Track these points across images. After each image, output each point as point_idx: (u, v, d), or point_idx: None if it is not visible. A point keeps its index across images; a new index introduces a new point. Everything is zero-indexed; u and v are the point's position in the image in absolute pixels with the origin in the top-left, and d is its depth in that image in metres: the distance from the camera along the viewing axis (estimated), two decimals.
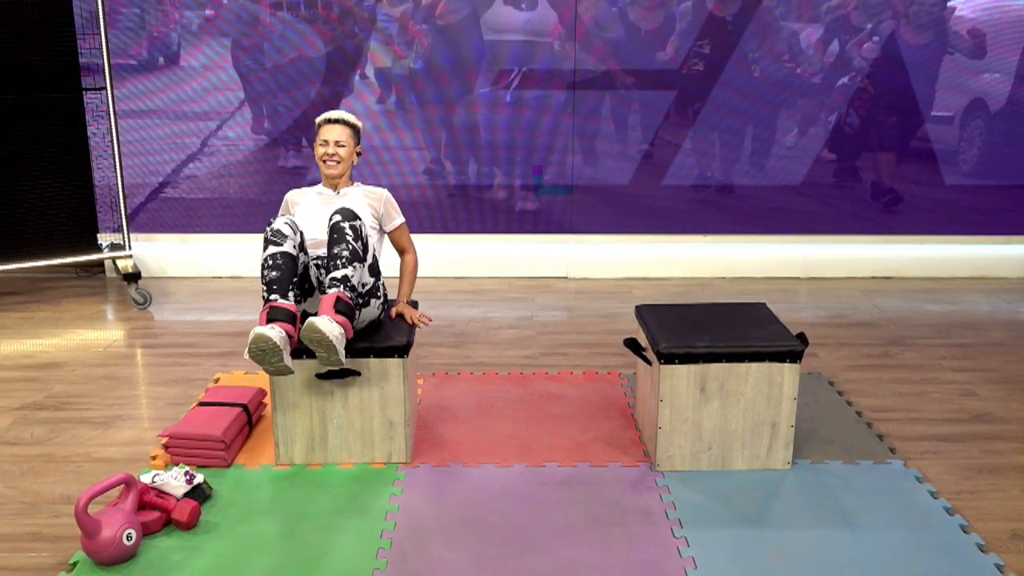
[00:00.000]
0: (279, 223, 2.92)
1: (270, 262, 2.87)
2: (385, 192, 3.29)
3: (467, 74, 5.03)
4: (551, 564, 2.49)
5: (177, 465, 2.94)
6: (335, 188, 3.25)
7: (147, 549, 2.55)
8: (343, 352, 2.79)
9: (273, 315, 2.80)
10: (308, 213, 3.17)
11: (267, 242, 2.89)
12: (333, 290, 2.86)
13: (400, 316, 3.17)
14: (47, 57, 4.44)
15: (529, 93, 5.05)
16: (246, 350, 2.75)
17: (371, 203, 3.23)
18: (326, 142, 3.20)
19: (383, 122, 5.13)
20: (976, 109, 5.15)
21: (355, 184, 3.29)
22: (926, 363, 3.91)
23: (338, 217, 2.94)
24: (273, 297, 2.84)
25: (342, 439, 3.00)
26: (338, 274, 2.88)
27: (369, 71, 5.07)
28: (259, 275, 2.91)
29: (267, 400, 3.37)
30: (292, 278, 2.88)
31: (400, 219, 3.30)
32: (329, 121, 3.23)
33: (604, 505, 2.77)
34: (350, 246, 2.90)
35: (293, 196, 3.29)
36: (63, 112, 4.54)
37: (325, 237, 3.03)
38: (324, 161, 3.20)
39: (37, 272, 5.09)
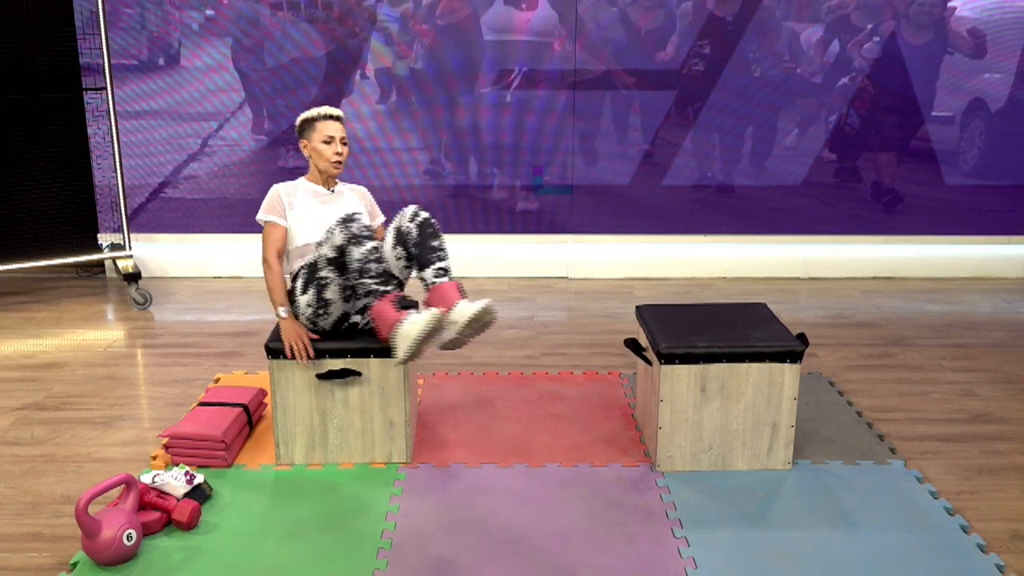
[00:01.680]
0: (365, 219, 2.94)
1: (375, 254, 2.85)
2: (366, 189, 3.32)
3: (468, 74, 5.03)
4: (552, 564, 2.49)
5: (177, 465, 2.94)
6: (330, 187, 3.21)
7: (147, 549, 2.55)
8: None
9: (404, 303, 2.92)
10: (307, 214, 3.10)
11: (361, 238, 2.83)
12: (442, 279, 2.93)
13: None
14: (48, 57, 4.44)
15: (529, 93, 5.05)
16: (407, 347, 2.74)
17: (363, 201, 3.25)
18: (331, 138, 3.12)
19: (384, 122, 5.13)
20: (976, 109, 5.15)
21: (338, 182, 3.26)
22: (926, 363, 3.91)
23: (425, 212, 3.00)
24: (390, 288, 2.88)
25: (342, 439, 3.00)
26: (444, 265, 2.95)
27: (370, 71, 5.07)
28: (354, 272, 2.84)
29: (267, 400, 3.37)
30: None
31: (382, 216, 3.33)
32: (331, 117, 3.15)
33: (605, 505, 2.77)
34: (440, 237, 2.99)
35: (284, 194, 3.12)
36: (64, 112, 4.55)
37: (323, 238, 3.02)
38: (332, 161, 3.12)
39: (37, 272, 5.09)
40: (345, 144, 3.16)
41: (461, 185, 5.22)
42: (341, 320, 2.98)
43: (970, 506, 2.78)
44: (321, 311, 2.94)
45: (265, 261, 3.05)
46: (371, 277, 2.85)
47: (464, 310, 2.82)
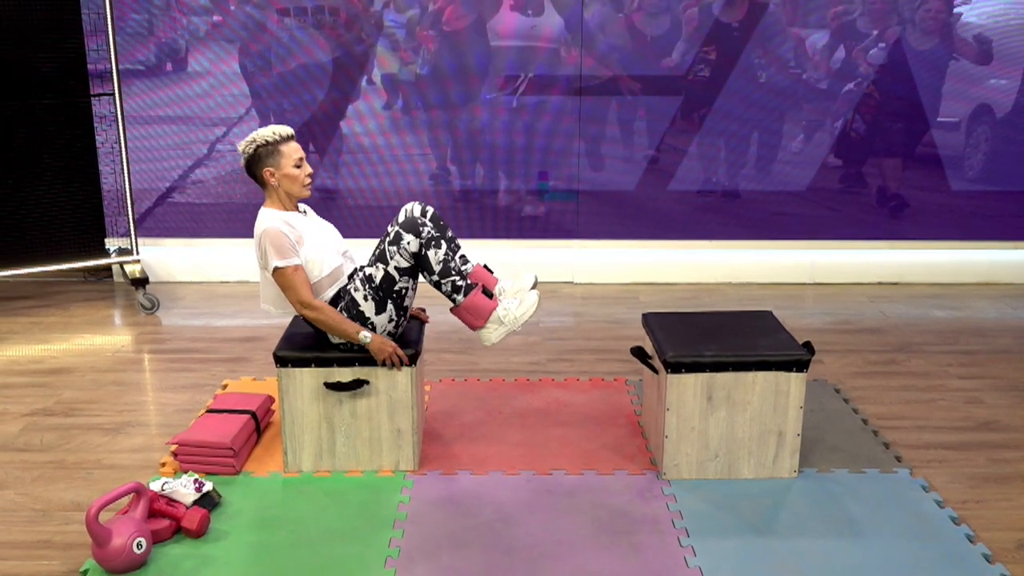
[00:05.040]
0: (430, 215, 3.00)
1: (450, 250, 2.95)
2: None
3: (473, 80, 5.04)
4: (558, 573, 2.50)
5: (186, 472, 2.96)
6: (298, 208, 3.07)
7: (157, 557, 2.56)
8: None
9: (488, 293, 2.98)
10: (319, 241, 2.98)
11: (432, 239, 2.90)
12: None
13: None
14: (55, 63, 4.45)
15: (535, 99, 5.06)
16: (508, 332, 2.96)
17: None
18: (301, 160, 2.97)
19: (389, 127, 5.14)
20: (982, 115, 5.15)
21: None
22: (932, 370, 3.92)
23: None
24: (471, 283, 2.96)
25: (350, 447, 3.02)
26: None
27: (376, 76, 5.09)
28: (436, 274, 2.91)
29: (275, 407, 3.38)
30: None
31: None
32: (292, 137, 2.98)
33: (611, 513, 2.79)
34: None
35: (288, 232, 2.90)
36: (71, 117, 4.56)
37: (343, 260, 3.03)
38: (307, 184, 2.99)
39: (46, 276, 5.11)
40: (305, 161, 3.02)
41: (467, 190, 5.23)
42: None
43: (976, 515, 2.79)
44: (401, 321, 2.98)
45: (309, 306, 2.87)
46: (456, 274, 2.92)
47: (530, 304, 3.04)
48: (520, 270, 3.08)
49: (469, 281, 2.95)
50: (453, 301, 2.96)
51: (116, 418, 3.46)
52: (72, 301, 4.87)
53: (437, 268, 2.91)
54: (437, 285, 2.94)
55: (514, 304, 2.97)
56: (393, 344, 2.93)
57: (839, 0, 4.94)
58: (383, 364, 2.91)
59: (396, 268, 2.90)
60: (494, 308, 2.95)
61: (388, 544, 2.63)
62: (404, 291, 2.94)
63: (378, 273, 2.91)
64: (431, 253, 2.90)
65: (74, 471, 3.06)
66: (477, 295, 2.94)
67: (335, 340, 2.96)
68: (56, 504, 2.86)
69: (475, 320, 2.96)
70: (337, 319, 2.90)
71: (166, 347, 4.21)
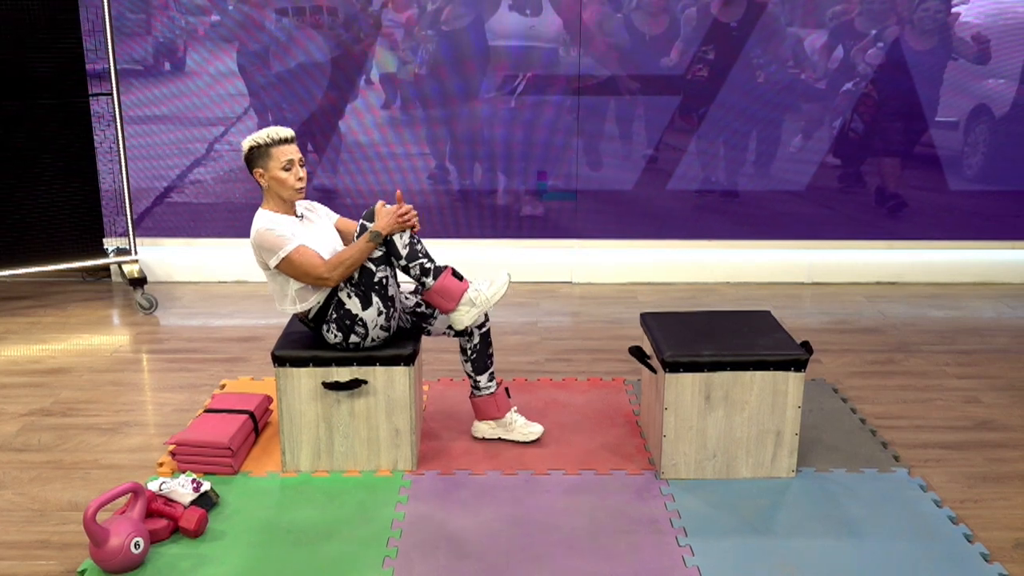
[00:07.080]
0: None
1: (414, 234, 2.97)
2: (312, 201, 3.21)
3: (472, 79, 5.04)
4: (557, 573, 2.50)
5: (184, 472, 2.96)
6: (295, 212, 3.02)
7: (155, 557, 2.56)
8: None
9: (458, 275, 3.00)
10: (311, 244, 2.93)
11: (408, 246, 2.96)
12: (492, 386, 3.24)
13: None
14: (54, 63, 4.45)
15: (534, 98, 5.06)
16: (480, 312, 2.97)
17: (319, 210, 3.15)
18: (291, 163, 2.89)
19: (388, 127, 5.14)
20: (980, 114, 5.15)
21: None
22: (930, 370, 3.92)
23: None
24: (440, 266, 2.98)
25: (348, 447, 3.02)
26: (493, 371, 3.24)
27: (374, 76, 5.09)
28: (404, 258, 2.93)
29: (273, 407, 3.38)
30: None
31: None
32: (284, 140, 2.91)
33: (609, 513, 2.79)
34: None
35: (280, 226, 2.89)
36: (70, 117, 4.56)
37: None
38: (297, 188, 2.92)
39: (44, 277, 5.11)
40: (303, 166, 2.96)
41: (466, 190, 5.23)
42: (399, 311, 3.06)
43: (974, 515, 2.79)
44: (392, 312, 2.97)
45: (328, 272, 2.84)
46: (423, 256, 2.94)
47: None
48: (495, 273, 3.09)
49: (438, 264, 2.97)
50: (423, 285, 2.96)
51: (114, 418, 3.46)
52: (70, 301, 4.86)
53: (404, 252, 2.92)
54: (406, 270, 2.94)
55: (485, 284, 2.99)
56: (393, 211, 2.90)
57: (838, 0, 4.94)
58: (404, 230, 2.92)
59: (371, 260, 2.90)
60: (465, 289, 2.97)
61: (386, 544, 2.63)
62: (385, 281, 2.92)
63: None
64: (396, 238, 2.91)
65: (72, 471, 3.06)
66: (447, 277, 2.95)
67: (333, 340, 2.95)
68: (54, 504, 2.86)
69: (447, 303, 2.97)
70: (353, 253, 2.87)
71: (164, 347, 4.21)
